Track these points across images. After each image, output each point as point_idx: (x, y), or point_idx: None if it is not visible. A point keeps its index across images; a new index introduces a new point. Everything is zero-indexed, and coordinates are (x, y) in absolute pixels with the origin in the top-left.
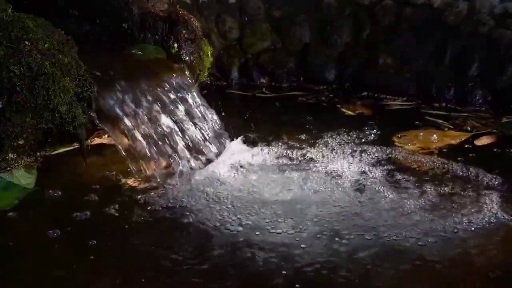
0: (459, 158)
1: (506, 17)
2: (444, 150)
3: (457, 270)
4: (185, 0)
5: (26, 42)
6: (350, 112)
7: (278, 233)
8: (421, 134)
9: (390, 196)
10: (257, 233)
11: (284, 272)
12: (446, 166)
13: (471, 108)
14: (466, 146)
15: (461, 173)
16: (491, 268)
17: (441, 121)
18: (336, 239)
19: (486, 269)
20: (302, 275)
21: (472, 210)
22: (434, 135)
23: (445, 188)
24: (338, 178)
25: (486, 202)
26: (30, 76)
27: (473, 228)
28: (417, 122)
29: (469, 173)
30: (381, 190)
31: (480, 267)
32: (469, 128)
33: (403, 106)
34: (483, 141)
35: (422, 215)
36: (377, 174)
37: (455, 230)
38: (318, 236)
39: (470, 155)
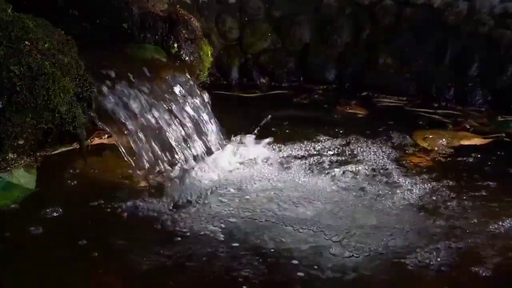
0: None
1: (506, 17)
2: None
3: None
4: (185, 0)
5: (26, 42)
6: (352, 111)
7: None
8: (430, 135)
9: None
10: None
11: None
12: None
13: (471, 108)
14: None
15: None
16: None
17: (437, 117)
18: None
19: None
20: None
21: None
22: (444, 137)
23: None
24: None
25: None
26: (30, 76)
27: None
28: (420, 122)
29: None
30: None
31: None
32: (468, 126)
33: (397, 104)
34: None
35: None
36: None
37: None
38: None
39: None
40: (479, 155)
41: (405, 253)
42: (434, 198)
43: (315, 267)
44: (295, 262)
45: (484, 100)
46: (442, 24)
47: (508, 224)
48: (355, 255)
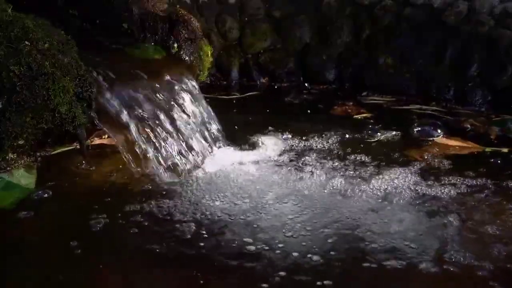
0: None
1: (506, 17)
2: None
3: None
4: (185, 0)
5: (26, 42)
6: (356, 116)
7: None
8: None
9: None
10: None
11: None
12: None
13: (471, 108)
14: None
15: None
16: None
17: (436, 113)
18: None
19: None
20: None
21: None
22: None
23: None
24: None
25: None
26: (30, 76)
27: None
28: (420, 122)
29: None
30: None
31: None
32: (469, 126)
33: (396, 104)
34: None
35: None
36: None
37: None
38: None
39: None
40: None
41: None
42: None
43: None
44: None
45: (484, 100)
46: (442, 24)
47: None
48: None
